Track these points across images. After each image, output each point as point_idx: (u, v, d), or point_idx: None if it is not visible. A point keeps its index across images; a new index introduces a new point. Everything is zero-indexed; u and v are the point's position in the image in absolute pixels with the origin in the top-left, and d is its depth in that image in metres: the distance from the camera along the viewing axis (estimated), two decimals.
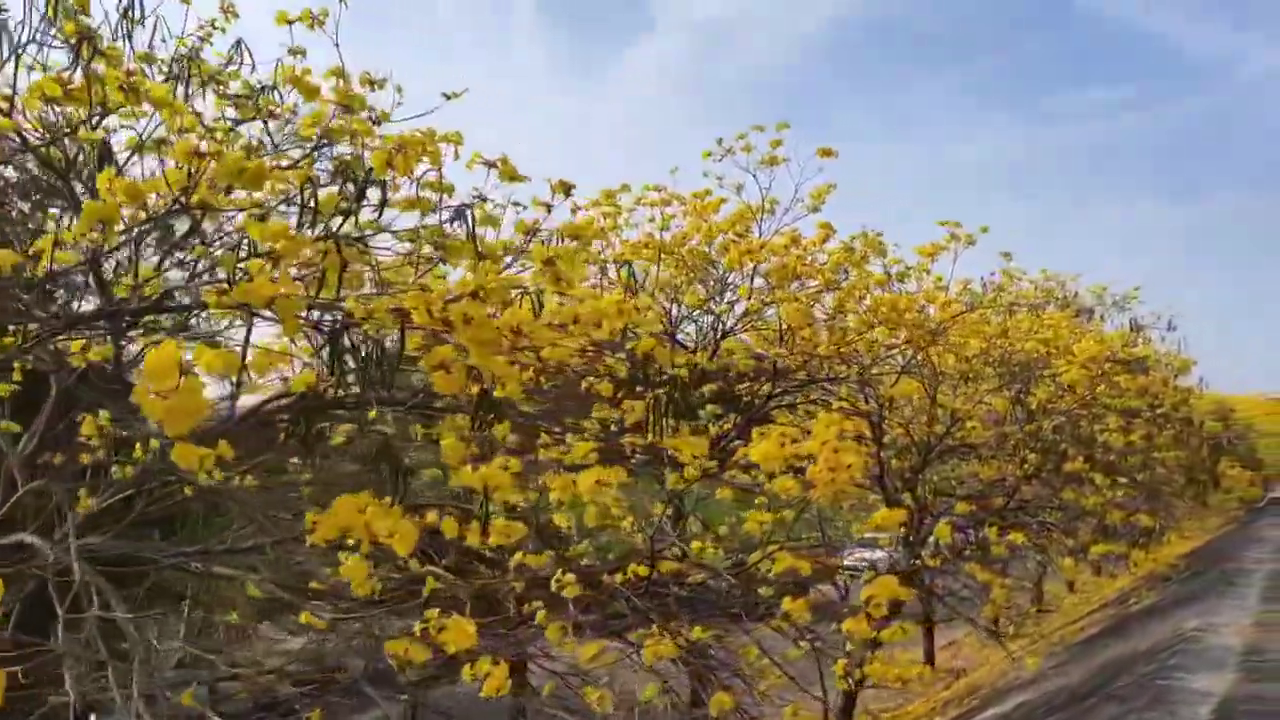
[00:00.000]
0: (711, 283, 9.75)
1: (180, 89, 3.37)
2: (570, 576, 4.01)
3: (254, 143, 4.46)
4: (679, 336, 9.56)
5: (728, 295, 9.58)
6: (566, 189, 3.72)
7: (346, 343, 3.18)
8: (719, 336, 9.11)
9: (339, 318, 2.48)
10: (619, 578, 5.09)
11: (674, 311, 9.29)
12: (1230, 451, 31.26)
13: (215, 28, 4.76)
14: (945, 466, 12.46)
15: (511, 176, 3.42)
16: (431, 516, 4.53)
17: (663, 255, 8.97)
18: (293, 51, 4.59)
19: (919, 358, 10.78)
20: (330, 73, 4.43)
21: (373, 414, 4.25)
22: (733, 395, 10.64)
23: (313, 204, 2.78)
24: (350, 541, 3.10)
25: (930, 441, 10.73)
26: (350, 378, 2.52)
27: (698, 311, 9.46)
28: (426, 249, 3.81)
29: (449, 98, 4.89)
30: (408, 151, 3.11)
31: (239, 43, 4.55)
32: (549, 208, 3.77)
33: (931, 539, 12.68)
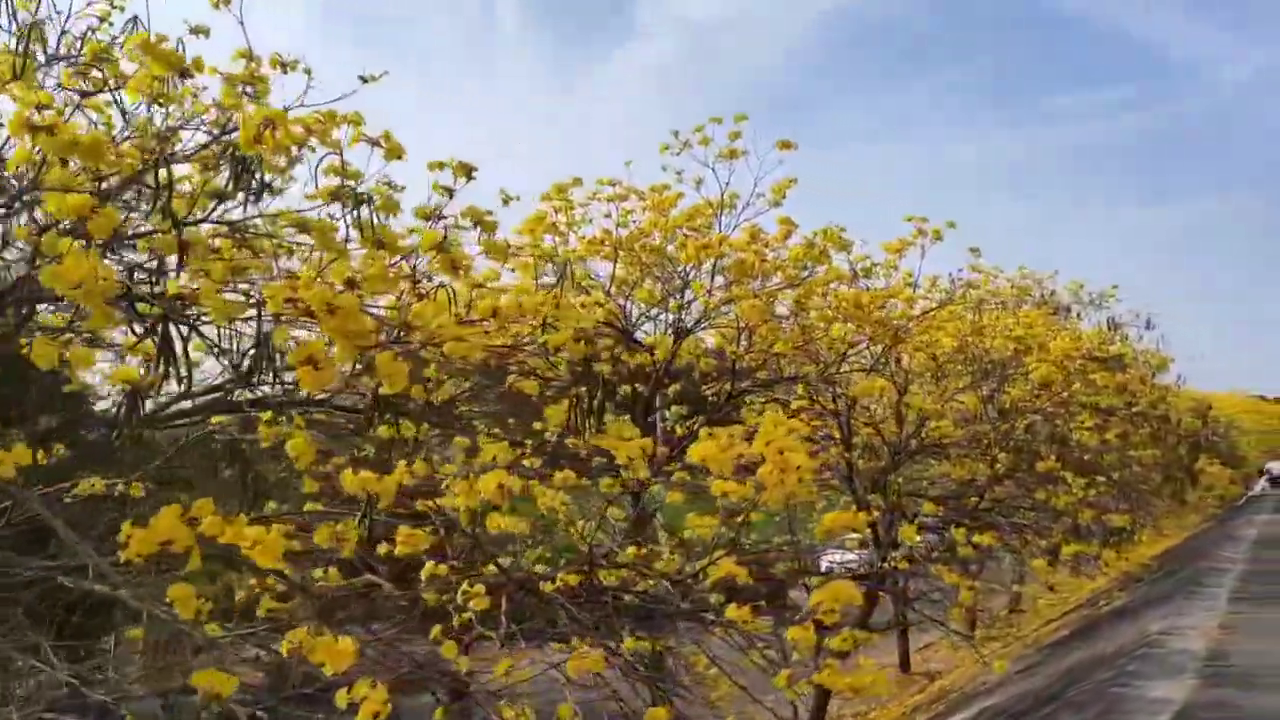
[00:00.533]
0: (674, 279, 9.50)
1: (19, 61, 3.09)
2: (479, 588, 3.74)
3: (157, 125, 4.19)
4: (638, 335, 9.32)
5: (687, 293, 9.34)
6: (468, 171, 3.47)
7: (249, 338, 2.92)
8: (678, 335, 8.86)
9: (168, 306, 2.22)
10: (549, 586, 4.83)
11: (629, 309, 9.02)
12: (1211, 449, 31.22)
13: (115, 6, 4.50)
14: (919, 466, 12.23)
15: (397, 155, 3.17)
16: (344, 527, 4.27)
17: (619, 252, 8.74)
18: (194, 30, 4.34)
19: (889, 355, 10.58)
20: (238, 54, 4.18)
21: (266, 416, 3.98)
22: (699, 396, 10.42)
23: (162, 183, 2.52)
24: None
25: (898, 442, 10.52)
26: (184, 373, 2.26)
27: (655, 309, 9.21)
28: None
29: (366, 80, 4.64)
30: (278, 128, 2.85)
31: (134, 19, 4.28)
32: (450, 192, 3.52)
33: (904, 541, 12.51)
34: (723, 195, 9.03)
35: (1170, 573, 12.93)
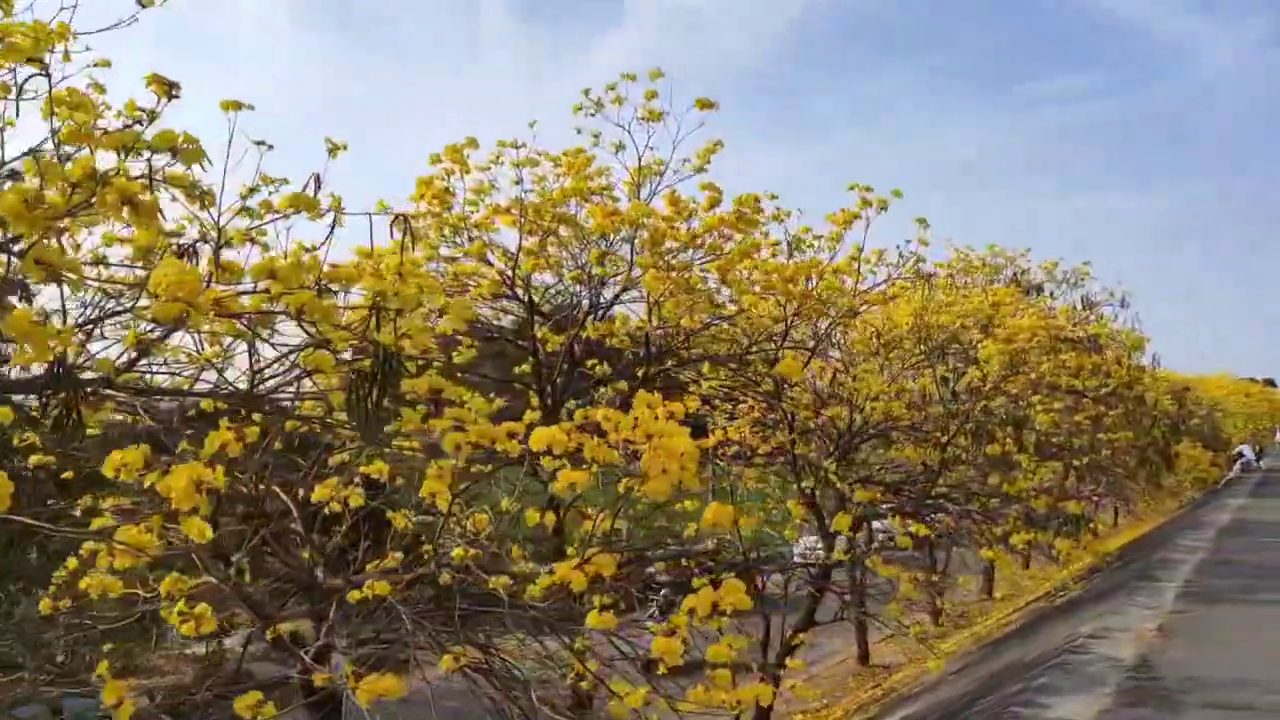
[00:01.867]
0: (589, 249, 8.80)
1: None
2: (203, 609, 3.07)
3: None
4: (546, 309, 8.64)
5: (606, 264, 8.65)
6: (168, 88, 2.79)
7: None
8: (592, 309, 8.19)
9: None
10: (355, 595, 4.19)
11: (532, 280, 8.31)
12: (1192, 432, 30.61)
13: None
14: (880, 451, 11.56)
15: (27, 57, 2.48)
16: None
17: (524, 219, 8.04)
18: None
19: (827, 332, 9.93)
20: None
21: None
22: (631, 374, 9.73)
23: None
24: None
25: (840, 426, 9.85)
26: None
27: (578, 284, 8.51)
28: None
29: (144, 5, 3.97)
30: None
31: None
32: (152, 115, 2.84)
33: (861, 533, 11.86)
34: (640, 160, 8.39)
35: (1127, 563, 12.31)
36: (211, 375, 4.53)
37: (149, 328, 3.48)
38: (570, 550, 7.11)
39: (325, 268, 3.42)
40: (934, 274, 11.19)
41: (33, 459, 4.83)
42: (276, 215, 4.00)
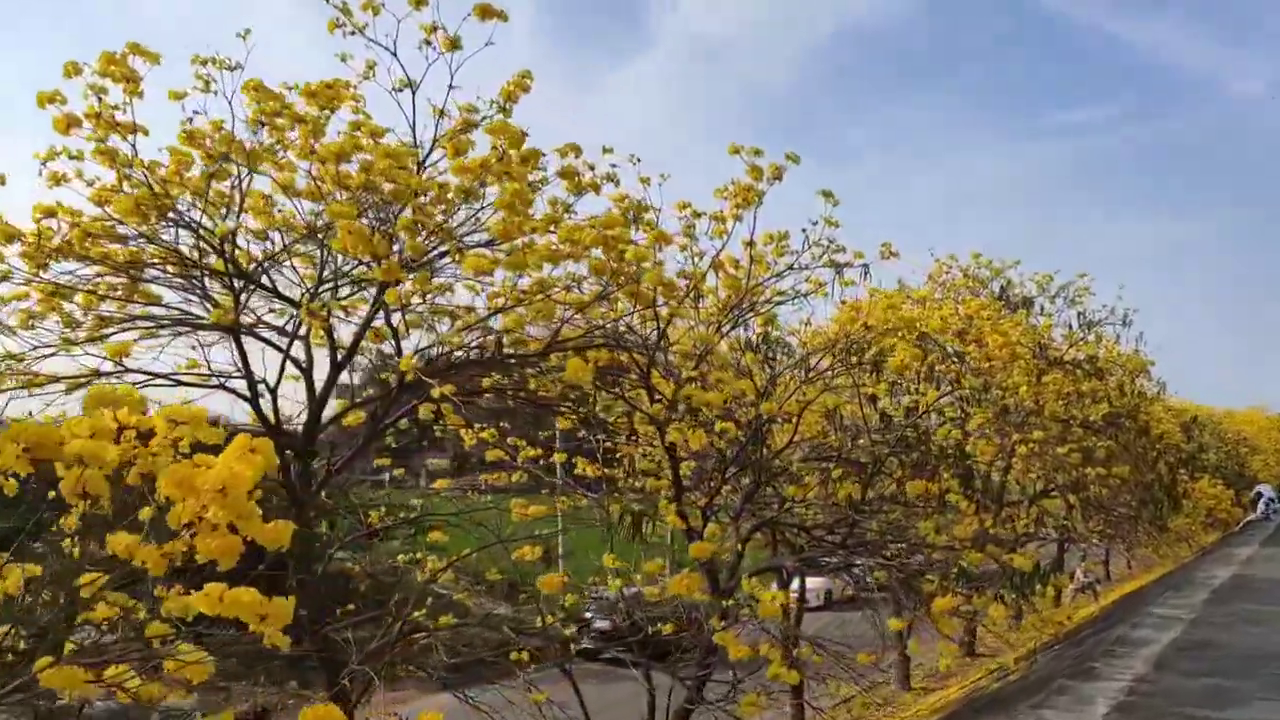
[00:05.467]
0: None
1: None
2: None
3: None
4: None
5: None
6: None
7: None
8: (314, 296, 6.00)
9: None
10: None
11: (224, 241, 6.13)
12: (1216, 468, 27.94)
13: None
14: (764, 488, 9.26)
15: None
16: None
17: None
18: None
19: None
20: None
21: None
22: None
23: None
24: None
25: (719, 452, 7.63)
26: None
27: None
28: None
29: None
30: None
31: None
32: None
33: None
34: (414, 96, 6.30)
35: (1078, 642, 9.83)
36: None
37: None
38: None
39: None
40: (850, 264, 8.88)
41: None
42: None
